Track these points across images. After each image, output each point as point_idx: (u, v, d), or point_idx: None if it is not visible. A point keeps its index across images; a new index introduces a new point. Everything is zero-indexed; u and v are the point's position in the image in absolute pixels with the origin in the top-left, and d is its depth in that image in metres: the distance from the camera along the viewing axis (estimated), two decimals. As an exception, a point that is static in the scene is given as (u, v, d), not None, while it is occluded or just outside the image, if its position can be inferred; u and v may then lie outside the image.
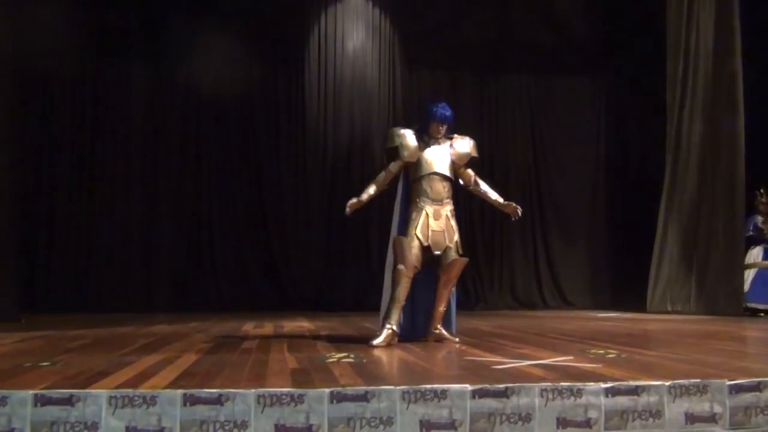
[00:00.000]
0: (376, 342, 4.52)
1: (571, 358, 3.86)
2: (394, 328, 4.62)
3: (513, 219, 5.10)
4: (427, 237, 4.75)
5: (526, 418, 2.74)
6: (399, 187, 5.08)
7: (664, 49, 9.08)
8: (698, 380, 2.91)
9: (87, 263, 9.51)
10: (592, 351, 4.26)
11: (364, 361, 3.72)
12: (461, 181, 5.10)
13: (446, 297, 4.85)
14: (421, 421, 2.68)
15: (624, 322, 7.26)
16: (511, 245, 10.58)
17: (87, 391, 2.66)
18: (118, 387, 2.78)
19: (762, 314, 8.26)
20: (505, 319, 7.69)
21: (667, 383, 2.87)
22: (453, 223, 4.88)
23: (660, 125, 9.17)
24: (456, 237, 4.86)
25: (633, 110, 10.65)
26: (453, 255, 4.80)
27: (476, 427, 2.70)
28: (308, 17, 10.19)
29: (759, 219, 8.76)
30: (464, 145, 5.02)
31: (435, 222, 4.80)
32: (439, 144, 4.95)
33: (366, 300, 9.62)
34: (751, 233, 8.71)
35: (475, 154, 5.06)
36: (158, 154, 9.84)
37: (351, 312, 8.80)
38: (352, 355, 3.93)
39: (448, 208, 4.89)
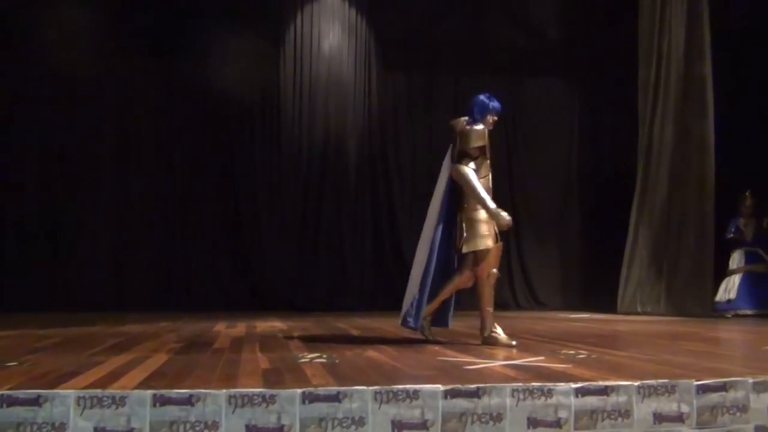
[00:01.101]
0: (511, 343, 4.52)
1: (543, 358, 3.89)
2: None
3: None
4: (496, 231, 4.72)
5: (498, 418, 2.75)
6: (443, 188, 4.91)
7: (637, 54, 9.20)
8: (666, 380, 2.95)
9: (56, 262, 9.39)
10: (563, 351, 4.30)
11: (337, 361, 3.71)
12: None
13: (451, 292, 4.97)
14: (392, 422, 2.68)
15: (595, 322, 7.33)
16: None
17: (55, 391, 2.62)
18: (86, 387, 2.74)
19: (729, 316, 8.38)
20: (478, 320, 7.70)
21: (635, 383, 2.90)
22: None
23: (632, 129, 9.29)
24: None
25: (606, 113, 10.77)
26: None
27: (448, 427, 2.71)
28: (284, 16, 10.15)
29: (741, 221, 8.87)
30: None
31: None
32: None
33: (339, 300, 9.64)
34: (732, 235, 8.82)
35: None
36: (130, 151, 9.74)
37: (324, 312, 8.79)
38: (324, 356, 3.92)
39: None
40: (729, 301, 8.50)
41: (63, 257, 9.41)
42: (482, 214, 4.65)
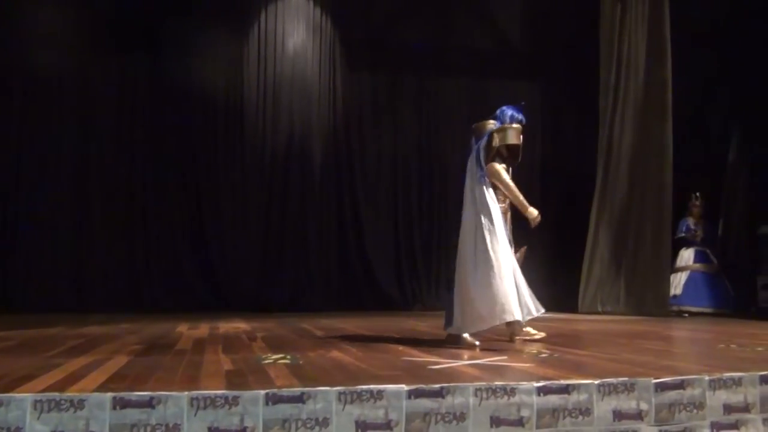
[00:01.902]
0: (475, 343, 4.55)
1: (506, 357, 3.93)
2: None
3: None
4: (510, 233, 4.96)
5: (461, 417, 2.77)
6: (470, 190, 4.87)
7: (598, 57, 9.35)
8: (626, 379, 3.00)
9: (13, 261, 9.15)
10: (526, 351, 4.35)
11: (301, 362, 3.70)
12: None
13: None
14: (356, 422, 2.68)
15: (556, 322, 7.43)
16: (448, 246, 10.68)
17: (10, 395, 2.57)
18: (43, 390, 2.69)
19: (686, 314, 8.57)
20: (442, 320, 7.74)
21: (596, 382, 2.95)
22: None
23: (594, 130, 9.43)
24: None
25: (568, 115, 10.90)
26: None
27: (412, 427, 2.72)
28: (248, 14, 10.07)
29: (691, 221, 9.09)
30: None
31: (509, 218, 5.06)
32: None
33: (303, 301, 9.60)
34: (683, 235, 9.03)
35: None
36: (90, 150, 9.55)
37: (288, 313, 8.75)
38: (288, 357, 3.90)
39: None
40: (674, 296, 8.70)
41: (21, 257, 9.18)
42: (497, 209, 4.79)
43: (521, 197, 4.90)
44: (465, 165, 4.88)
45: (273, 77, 10.04)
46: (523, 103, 5.15)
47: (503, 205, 5.05)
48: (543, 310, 4.76)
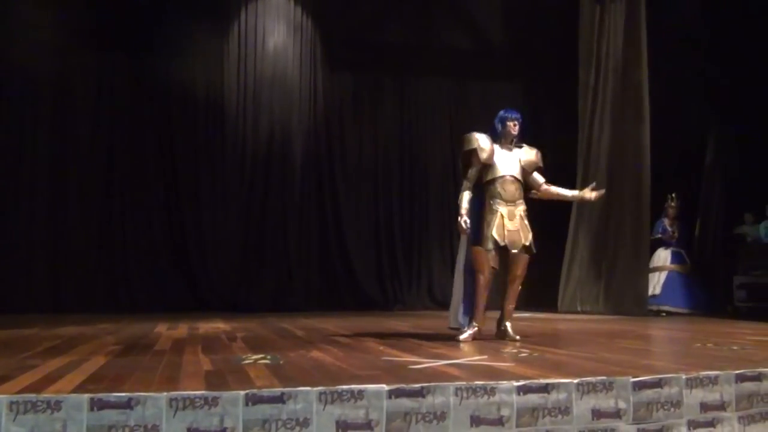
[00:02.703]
0: (462, 337, 4.86)
1: (486, 357, 3.94)
2: (479, 327, 4.97)
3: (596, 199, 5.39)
4: (503, 237, 4.94)
5: (441, 417, 2.78)
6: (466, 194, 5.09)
7: (578, 58, 9.41)
8: (604, 377, 3.03)
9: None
10: (506, 350, 4.37)
11: (281, 362, 3.69)
12: (530, 186, 5.26)
13: (515, 294, 5.11)
14: (337, 422, 2.68)
15: (536, 321, 7.47)
16: (428, 246, 10.72)
17: (-15, 396, 2.53)
18: (20, 392, 2.65)
19: (664, 314, 8.66)
20: (423, 320, 7.78)
21: (575, 381, 2.97)
22: (526, 222, 5.06)
23: (573, 130, 9.50)
24: (530, 236, 5.06)
25: (547, 115, 10.95)
26: (523, 253, 5.01)
27: (392, 427, 2.72)
28: (228, 13, 10.02)
29: (666, 222, 9.19)
30: (531, 153, 5.21)
31: (510, 222, 4.98)
32: (509, 150, 5.09)
33: (283, 301, 9.56)
34: (659, 236, 9.13)
35: (540, 163, 5.25)
36: (67, 149, 9.44)
37: (268, 313, 8.71)
38: (268, 357, 3.89)
39: (521, 208, 5.06)
40: (654, 296, 8.80)
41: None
42: (487, 210, 4.98)
43: (460, 209, 5.01)
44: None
45: (253, 76, 10.01)
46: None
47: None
48: (452, 325, 5.18)
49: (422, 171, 10.61)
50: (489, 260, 4.91)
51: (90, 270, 9.33)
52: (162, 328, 6.20)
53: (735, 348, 4.54)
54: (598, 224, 9.16)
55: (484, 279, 4.91)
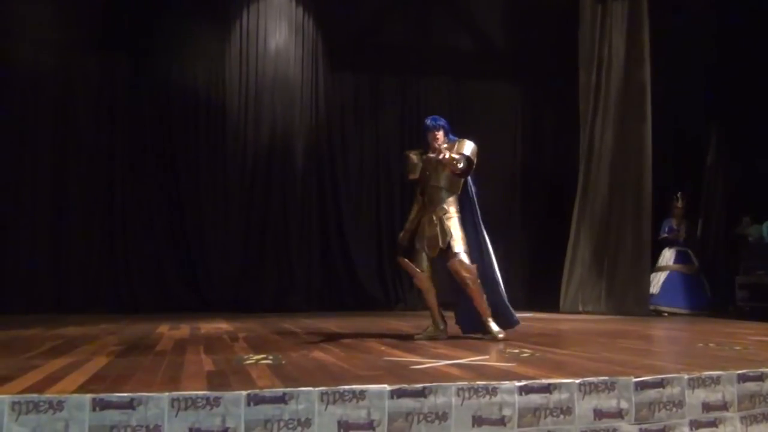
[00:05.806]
0: (417, 337, 5.13)
1: (487, 357, 3.94)
2: (441, 327, 5.21)
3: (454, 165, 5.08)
4: (423, 245, 5.09)
5: (443, 417, 2.78)
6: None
7: (578, 58, 9.41)
8: (606, 377, 3.03)
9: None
10: (508, 350, 4.37)
11: (283, 362, 3.69)
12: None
13: (473, 296, 5.08)
14: (339, 422, 2.68)
15: (538, 321, 7.47)
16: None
17: (-12, 396, 2.53)
18: (22, 392, 2.65)
19: (666, 314, 8.66)
20: (424, 320, 7.74)
21: (577, 381, 2.97)
22: (448, 224, 5.03)
23: (574, 131, 9.50)
24: (449, 238, 4.98)
25: (549, 116, 10.97)
26: (449, 257, 4.99)
27: (394, 427, 2.72)
28: (230, 13, 10.02)
29: (673, 222, 9.18)
30: (460, 147, 5.15)
31: (428, 228, 5.08)
32: (438, 155, 5.04)
33: (285, 301, 9.56)
34: (665, 235, 9.13)
35: (465, 153, 5.12)
36: (69, 149, 9.43)
37: (270, 313, 8.72)
38: (270, 357, 3.89)
39: (440, 213, 5.07)
40: (652, 295, 8.80)
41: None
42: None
43: (407, 223, 5.34)
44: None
45: (255, 77, 10.00)
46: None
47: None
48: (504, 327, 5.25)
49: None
50: (418, 265, 5.09)
51: (92, 270, 9.33)
52: (164, 329, 6.21)
53: (737, 348, 4.54)
54: (599, 224, 9.16)
55: (418, 282, 5.19)
